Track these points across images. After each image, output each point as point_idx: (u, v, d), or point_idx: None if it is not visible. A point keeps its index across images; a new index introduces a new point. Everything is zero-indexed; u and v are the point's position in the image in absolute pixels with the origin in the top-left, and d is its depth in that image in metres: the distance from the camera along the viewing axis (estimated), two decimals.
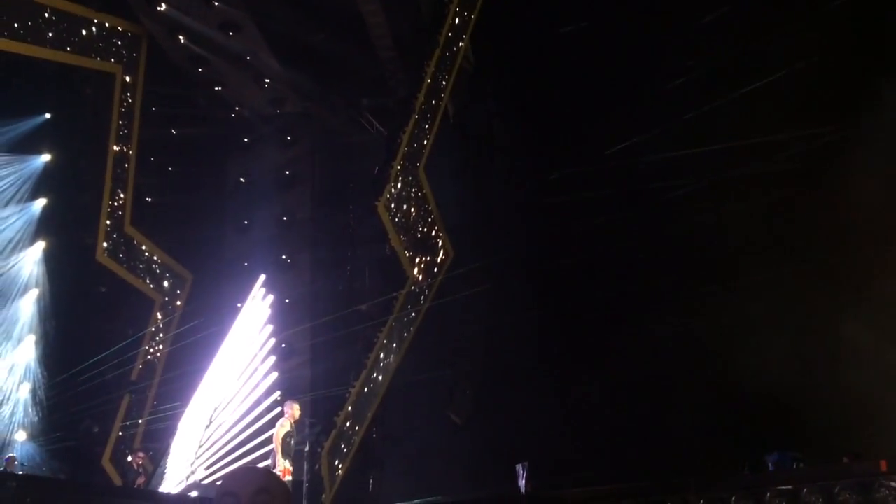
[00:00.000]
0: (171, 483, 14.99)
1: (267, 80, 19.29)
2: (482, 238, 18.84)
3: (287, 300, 18.84)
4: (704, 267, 15.42)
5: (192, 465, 14.27)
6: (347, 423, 16.18)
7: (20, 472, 14.86)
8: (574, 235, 16.66)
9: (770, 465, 11.19)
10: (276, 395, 14.27)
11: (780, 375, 14.02)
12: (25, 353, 18.28)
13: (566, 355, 16.69)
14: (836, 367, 13.55)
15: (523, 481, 11.64)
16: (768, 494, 8.11)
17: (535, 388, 16.93)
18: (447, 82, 17.38)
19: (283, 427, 13.08)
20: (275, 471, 12.53)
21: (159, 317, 19.16)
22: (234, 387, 14.94)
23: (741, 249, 15.19)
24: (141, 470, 16.02)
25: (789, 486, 8.11)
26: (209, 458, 14.64)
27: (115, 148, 18.33)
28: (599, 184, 16.43)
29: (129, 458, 16.83)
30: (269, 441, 13.55)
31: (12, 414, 17.88)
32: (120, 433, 17.92)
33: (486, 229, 18.96)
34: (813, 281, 14.31)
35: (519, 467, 11.76)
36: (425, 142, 17.10)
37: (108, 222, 18.12)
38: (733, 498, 8.23)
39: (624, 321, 15.96)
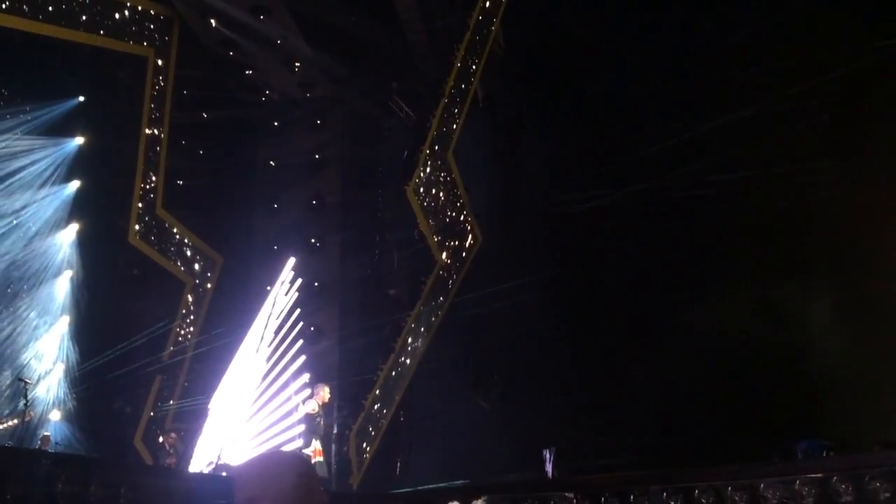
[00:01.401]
0: (201, 464, 15.14)
1: (297, 64, 19.31)
2: (510, 223, 18.81)
3: (316, 283, 18.96)
4: (736, 256, 15.30)
5: (221, 446, 14.38)
6: (375, 406, 16.29)
7: (54, 451, 15.08)
8: (604, 220, 16.56)
9: (800, 453, 11.10)
10: (305, 377, 14.36)
11: (810, 363, 13.92)
12: (60, 333, 18.51)
13: (595, 341, 16.64)
14: (868, 355, 13.42)
15: (550, 466, 11.64)
16: (798, 482, 8.05)
17: (564, 374, 16.91)
18: (477, 66, 17.31)
19: (307, 406, 13.21)
20: (307, 451, 12.70)
21: (190, 299, 19.32)
22: (263, 369, 15.04)
23: (768, 240, 15.05)
24: (172, 450, 16.16)
25: (819, 475, 8.05)
26: (238, 439, 14.75)
27: (148, 131, 18.41)
28: (628, 174, 16.32)
29: (161, 439, 17.01)
30: (297, 424, 13.65)
31: (47, 393, 18.12)
32: (152, 414, 18.13)
33: (514, 215, 18.92)
34: (842, 270, 14.17)
35: (546, 452, 11.76)
36: (454, 126, 17.07)
37: (140, 205, 18.24)
38: (762, 485, 8.17)
39: (655, 309, 15.88)
